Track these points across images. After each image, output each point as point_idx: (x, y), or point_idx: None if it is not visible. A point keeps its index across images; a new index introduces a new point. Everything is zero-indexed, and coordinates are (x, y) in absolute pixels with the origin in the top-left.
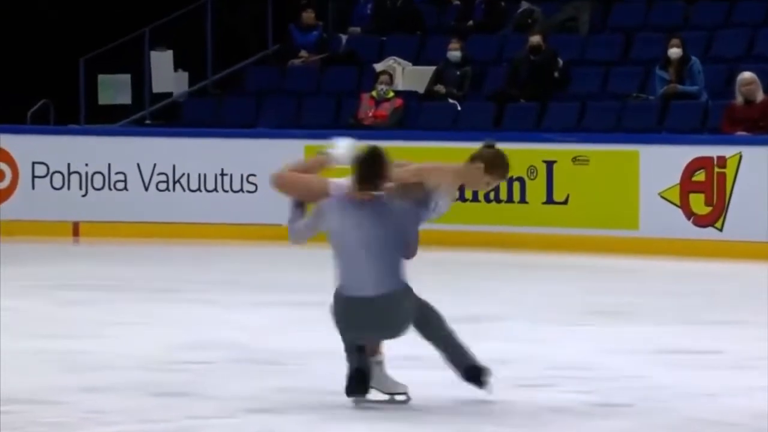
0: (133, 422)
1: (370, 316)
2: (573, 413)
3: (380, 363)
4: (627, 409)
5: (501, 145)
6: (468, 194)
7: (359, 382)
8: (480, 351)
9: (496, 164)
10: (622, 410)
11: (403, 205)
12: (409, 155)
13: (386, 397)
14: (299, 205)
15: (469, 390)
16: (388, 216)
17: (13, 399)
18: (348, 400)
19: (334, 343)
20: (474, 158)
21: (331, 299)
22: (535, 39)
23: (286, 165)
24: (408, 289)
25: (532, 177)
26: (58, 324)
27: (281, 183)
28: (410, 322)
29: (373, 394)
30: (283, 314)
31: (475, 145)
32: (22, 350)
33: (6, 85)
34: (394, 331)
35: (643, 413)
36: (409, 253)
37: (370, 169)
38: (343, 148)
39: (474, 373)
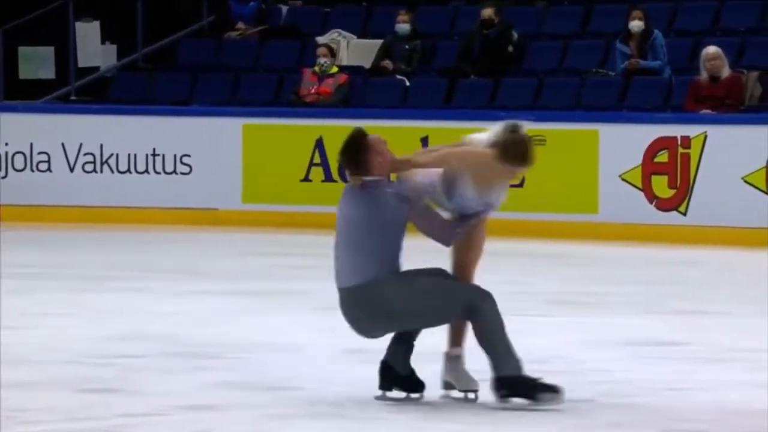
0: (58, 421)
1: (350, 307)
2: (527, 409)
3: (458, 357)
4: (587, 405)
5: (451, 124)
6: None
7: (381, 376)
8: (433, 344)
9: (508, 152)
10: (582, 406)
11: (399, 191)
12: None
13: (461, 394)
14: None
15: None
16: (374, 202)
17: None
18: (290, 395)
19: (274, 335)
20: (492, 145)
21: (266, 287)
22: (487, 12)
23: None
24: (391, 280)
25: None
26: None
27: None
28: (401, 315)
29: (395, 393)
30: (220, 304)
31: (425, 124)
32: None
33: None
34: (376, 325)
35: (604, 409)
36: (443, 241)
37: (352, 154)
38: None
39: (494, 385)
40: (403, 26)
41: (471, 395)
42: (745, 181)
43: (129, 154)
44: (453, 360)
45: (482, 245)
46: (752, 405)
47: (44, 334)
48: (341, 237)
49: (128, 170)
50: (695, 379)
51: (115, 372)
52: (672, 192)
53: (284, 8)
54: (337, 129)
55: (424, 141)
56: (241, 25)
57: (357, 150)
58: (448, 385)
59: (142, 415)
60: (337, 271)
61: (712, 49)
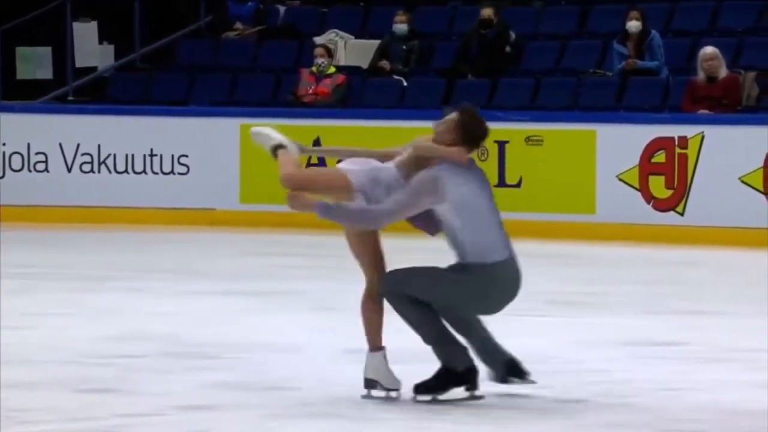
0: (57, 421)
1: (517, 280)
2: (526, 409)
3: (384, 355)
4: (586, 405)
5: None
6: None
7: (475, 378)
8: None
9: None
10: (579, 406)
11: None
12: (352, 135)
13: (383, 393)
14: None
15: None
16: (485, 176)
17: None
18: (289, 395)
19: (274, 335)
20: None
21: (265, 287)
22: (486, 12)
23: (282, 170)
24: None
25: (482, 158)
26: None
27: (298, 183)
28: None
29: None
30: (220, 304)
31: (423, 124)
32: None
33: None
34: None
35: (602, 409)
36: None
37: (481, 130)
38: (279, 136)
39: (514, 367)
40: (400, 26)
41: (393, 394)
42: (743, 182)
43: (127, 155)
44: (383, 358)
45: None
46: (751, 405)
47: (44, 334)
48: (492, 211)
49: (126, 170)
50: (694, 379)
51: (115, 372)
52: (669, 192)
53: (282, 8)
54: (334, 129)
55: None
56: (238, 25)
57: (486, 126)
58: (371, 383)
59: (141, 415)
60: (501, 242)
61: (709, 50)
